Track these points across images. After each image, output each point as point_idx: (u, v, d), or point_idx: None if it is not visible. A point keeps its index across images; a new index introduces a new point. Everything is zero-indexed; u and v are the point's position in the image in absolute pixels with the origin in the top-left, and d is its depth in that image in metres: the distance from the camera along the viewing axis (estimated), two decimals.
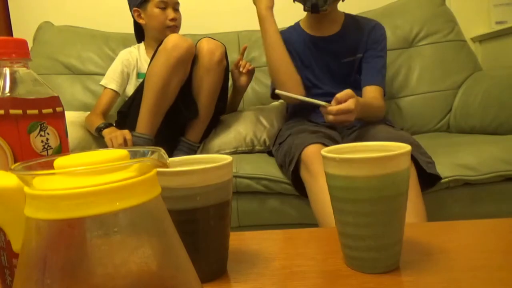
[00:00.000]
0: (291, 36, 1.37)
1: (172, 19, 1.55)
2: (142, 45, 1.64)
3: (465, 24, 1.80)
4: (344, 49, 1.33)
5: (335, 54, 1.34)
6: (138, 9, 1.56)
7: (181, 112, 1.35)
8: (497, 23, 1.92)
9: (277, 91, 1.17)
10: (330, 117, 1.05)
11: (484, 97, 1.44)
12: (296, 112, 1.42)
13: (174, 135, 1.41)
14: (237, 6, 1.99)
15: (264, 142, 1.47)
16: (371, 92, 1.28)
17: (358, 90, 1.28)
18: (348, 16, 1.40)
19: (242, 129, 1.48)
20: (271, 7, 1.27)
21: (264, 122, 1.51)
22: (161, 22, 1.54)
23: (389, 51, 1.71)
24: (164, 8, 1.54)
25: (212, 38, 1.36)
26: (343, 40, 1.34)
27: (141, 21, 1.59)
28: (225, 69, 1.39)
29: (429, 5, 1.75)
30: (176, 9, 1.59)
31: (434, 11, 1.74)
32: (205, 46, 1.32)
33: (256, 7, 1.28)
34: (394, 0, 1.84)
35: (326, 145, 1.03)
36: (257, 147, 1.47)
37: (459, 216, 1.09)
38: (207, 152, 1.44)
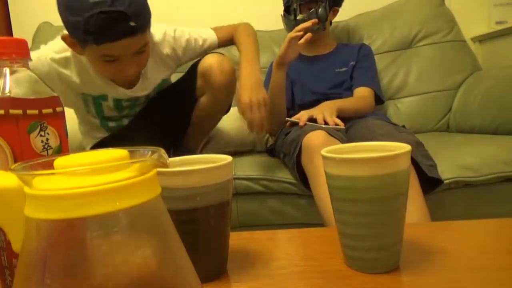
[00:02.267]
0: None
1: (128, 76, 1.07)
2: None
3: (465, 24, 1.80)
4: (337, 62, 1.53)
5: (330, 66, 1.53)
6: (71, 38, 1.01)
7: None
8: (497, 23, 1.92)
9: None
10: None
11: (484, 97, 1.44)
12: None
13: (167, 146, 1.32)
14: (239, 6, 2.00)
15: (266, 142, 1.48)
16: (359, 92, 1.44)
17: (351, 92, 1.47)
18: (339, 43, 1.64)
19: (244, 128, 1.48)
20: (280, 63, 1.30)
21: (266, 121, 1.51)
22: (105, 75, 1.11)
23: (388, 52, 1.72)
24: (112, 61, 1.02)
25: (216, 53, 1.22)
26: (336, 55, 1.56)
27: (75, 50, 1.06)
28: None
29: (429, 5, 1.75)
30: (141, 52, 1.05)
31: (434, 11, 1.74)
32: (214, 63, 1.19)
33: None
34: (393, 0, 1.83)
35: (332, 136, 1.05)
36: (258, 147, 1.47)
37: (460, 217, 1.09)
38: (208, 151, 1.45)
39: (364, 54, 1.55)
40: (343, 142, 1.08)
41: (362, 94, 1.44)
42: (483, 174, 1.06)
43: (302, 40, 1.23)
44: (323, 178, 0.96)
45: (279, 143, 1.29)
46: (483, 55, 1.92)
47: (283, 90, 1.33)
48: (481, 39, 1.94)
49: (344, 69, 1.52)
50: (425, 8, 1.74)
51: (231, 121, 1.50)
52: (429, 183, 1.01)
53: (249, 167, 1.19)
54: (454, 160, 1.10)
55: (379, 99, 1.50)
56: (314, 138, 1.03)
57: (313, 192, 1.04)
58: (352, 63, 1.52)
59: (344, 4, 1.56)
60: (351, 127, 1.25)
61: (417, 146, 1.04)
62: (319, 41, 1.54)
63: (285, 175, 1.16)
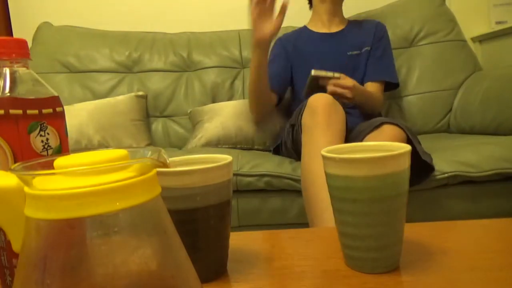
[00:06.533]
0: (297, 37, 1.46)
1: None
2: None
3: (465, 24, 1.80)
4: (349, 43, 1.42)
5: (341, 48, 1.42)
6: None
7: None
8: (497, 23, 1.92)
9: (314, 71, 1.22)
10: (331, 87, 1.17)
11: (484, 97, 1.44)
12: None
13: None
14: (238, 5, 2.00)
15: (264, 143, 1.49)
16: (371, 88, 1.40)
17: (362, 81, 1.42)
18: (351, 20, 1.54)
19: (244, 125, 1.48)
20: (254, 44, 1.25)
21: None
22: None
23: None
24: None
25: None
26: (348, 35, 1.45)
27: None
28: None
29: (429, 5, 1.75)
30: None
31: (434, 11, 1.74)
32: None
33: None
34: (394, 0, 1.83)
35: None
36: (256, 146, 1.48)
37: (459, 214, 1.10)
38: (207, 141, 1.46)
39: (379, 37, 1.44)
40: (345, 109, 1.06)
41: (372, 90, 1.40)
42: (483, 170, 1.07)
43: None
44: (316, 144, 0.96)
45: (286, 132, 1.28)
46: (483, 55, 1.92)
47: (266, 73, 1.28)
48: (481, 39, 1.94)
49: (356, 52, 1.41)
50: (426, 7, 1.74)
51: (231, 118, 1.51)
52: (422, 170, 1.04)
53: (252, 164, 1.19)
54: (454, 156, 1.11)
55: (393, 84, 1.46)
56: (319, 99, 1.01)
57: (301, 163, 1.02)
58: (367, 48, 1.41)
59: (345, 5, 1.56)
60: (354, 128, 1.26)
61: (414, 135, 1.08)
62: (330, 15, 1.43)
63: (287, 171, 1.16)
